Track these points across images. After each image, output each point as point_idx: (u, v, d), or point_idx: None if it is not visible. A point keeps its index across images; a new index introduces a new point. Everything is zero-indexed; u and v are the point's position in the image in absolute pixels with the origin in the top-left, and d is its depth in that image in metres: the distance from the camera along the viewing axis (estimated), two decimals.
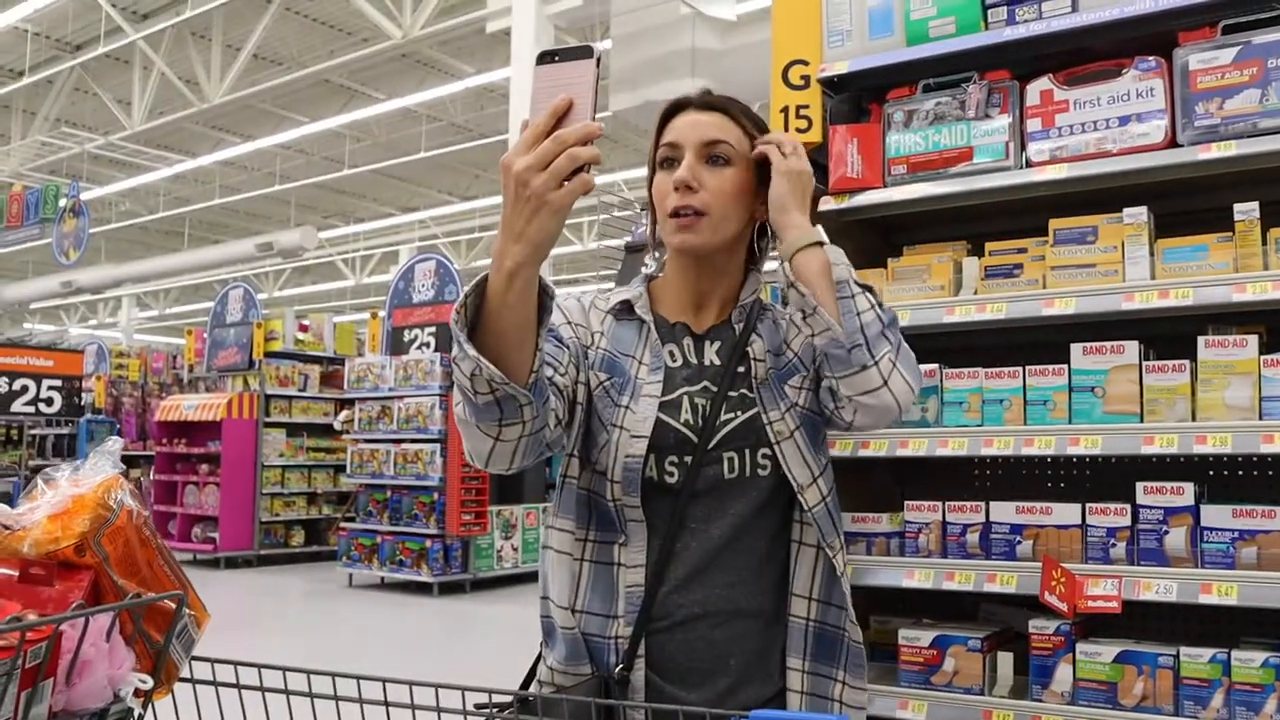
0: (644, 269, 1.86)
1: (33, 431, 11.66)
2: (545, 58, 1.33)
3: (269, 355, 13.27)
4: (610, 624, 1.58)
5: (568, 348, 1.59)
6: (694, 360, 1.67)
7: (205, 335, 14.41)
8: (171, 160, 18.48)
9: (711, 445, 1.60)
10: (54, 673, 1.26)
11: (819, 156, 2.93)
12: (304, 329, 14.51)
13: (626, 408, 1.60)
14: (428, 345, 11.62)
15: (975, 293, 2.70)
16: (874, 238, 3.14)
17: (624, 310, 1.71)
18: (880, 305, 1.61)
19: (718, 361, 1.67)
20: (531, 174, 1.23)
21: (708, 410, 1.61)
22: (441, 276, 11.82)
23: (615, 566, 1.60)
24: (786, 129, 2.90)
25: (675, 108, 1.68)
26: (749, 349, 1.67)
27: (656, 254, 1.80)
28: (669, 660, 1.58)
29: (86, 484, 1.45)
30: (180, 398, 13.69)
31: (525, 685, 1.70)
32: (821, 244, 1.62)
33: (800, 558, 1.64)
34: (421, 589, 10.79)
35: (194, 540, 12.77)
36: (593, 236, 22.16)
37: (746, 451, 1.60)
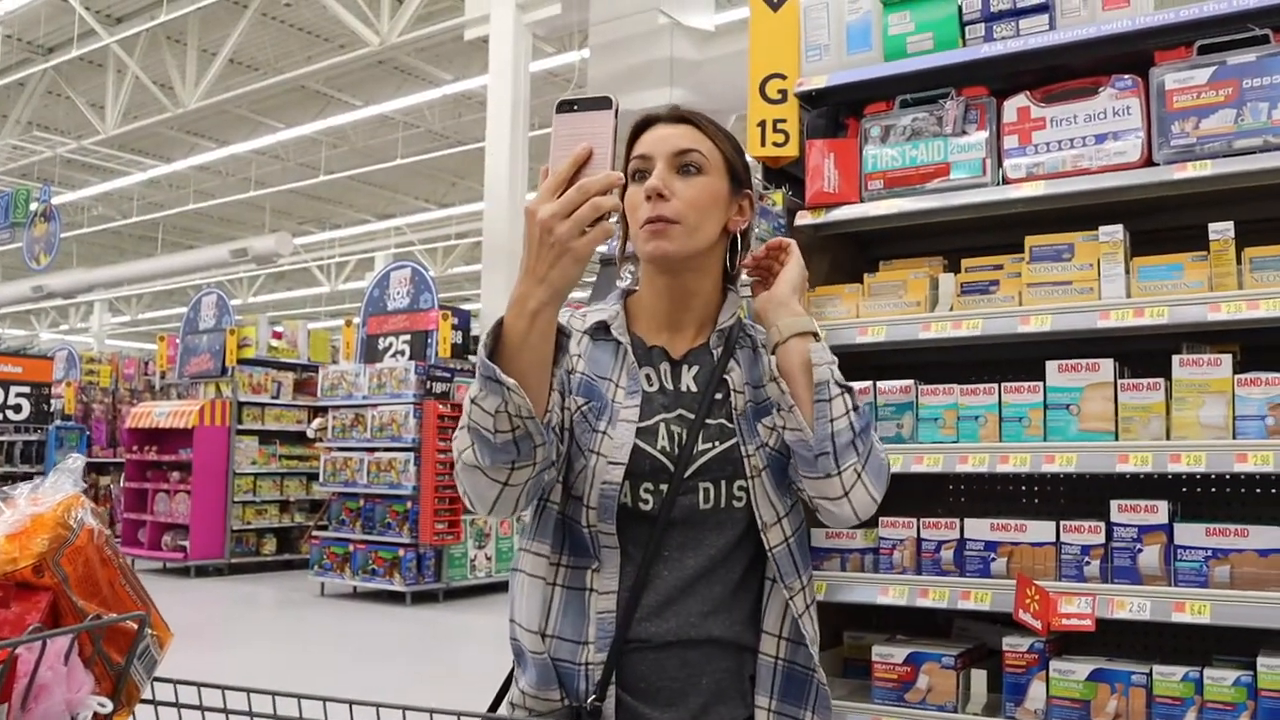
0: (619, 283, 1.84)
1: (0, 438, 11.52)
2: (565, 107, 1.38)
3: (242, 362, 13.16)
4: (581, 650, 1.56)
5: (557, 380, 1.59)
6: (670, 386, 1.65)
7: (178, 341, 14.28)
8: (145, 165, 18.35)
9: (688, 474, 1.58)
10: (9, 697, 1.23)
11: (795, 170, 2.92)
12: (278, 336, 14.42)
13: (604, 433, 1.58)
14: (402, 353, 11.57)
15: (951, 309, 2.70)
16: (851, 252, 3.14)
17: (600, 330, 1.69)
18: (857, 409, 1.57)
19: (694, 388, 1.64)
20: (556, 221, 1.31)
21: (684, 438, 1.59)
22: (417, 284, 11.78)
23: (587, 592, 1.57)
24: (764, 143, 2.89)
25: (644, 123, 1.68)
26: (727, 377, 1.65)
27: (631, 268, 1.79)
28: (640, 680, 1.56)
29: (46, 503, 1.42)
30: (152, 404, 13.55)
31: (495, 704, 1.67)
32: (814, 335, 1.60)
33: (773, 594, 1.62)
34: (394, 598, 10.71)
35: (164, 548, 12.63)
36: None
37: (723, 483, 1.59)
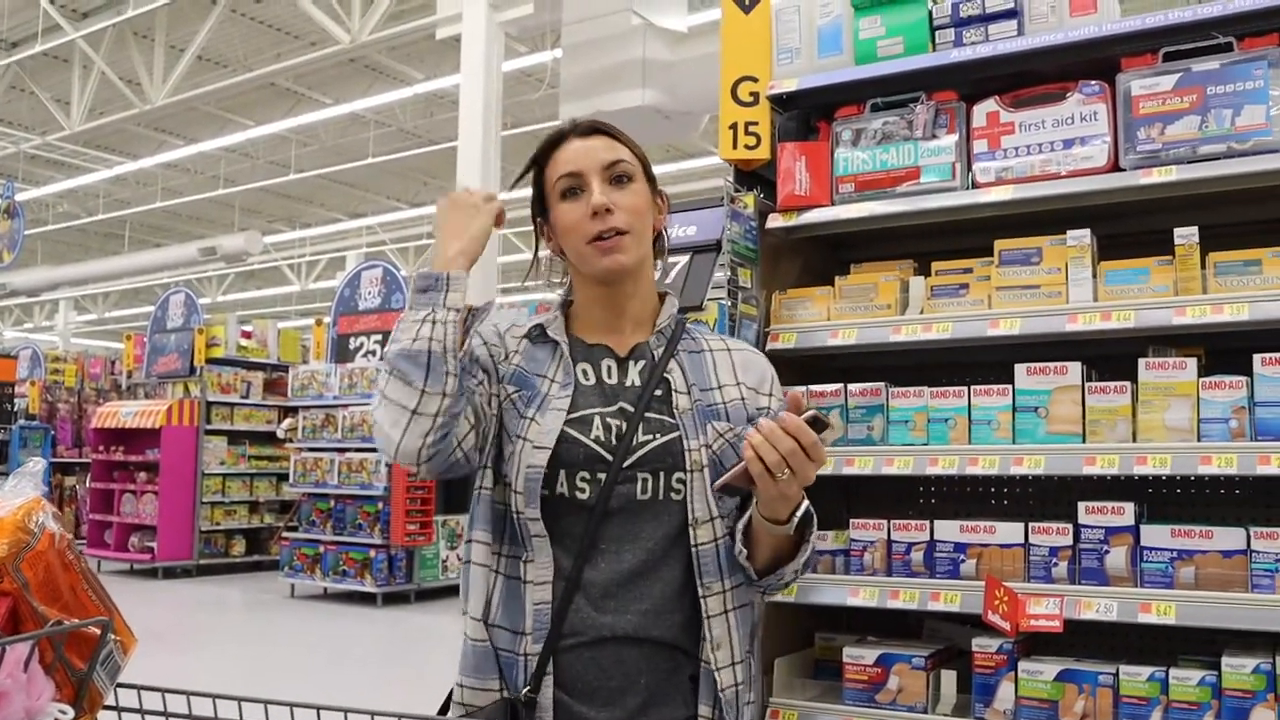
0: (552, 278, 1.85)
1: None
2: None
3: (211, 362, 13.04)
4: (519, 640, 1.57)
5: (479, 363, 1.66)
6: (611, 380, 1.67)
7: (145, 340, 14.13)
8: (112, 162, 18.16)
9: (627, 464, 1.59)
10: None
11: (767, 173, 2.93)
12: (247, 335, 14.30)
13: (531, 419, 1.61)
14: (373, 353, 11.50)
15: (922, 312, 2.72)
16: (822, 255, 3.15)
17: (538, 332, 1.72)
18: (807, 567, 1.63)
19: (639, 382, 1.67)
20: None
21: (624, 429, 1.61)
22: (388, 284, 11.72)
23: (523, 583, 1.59)
24: (735, 145, 2.89)
25: (555, 139, 1.71)
26: (668, 376, 1.67)
27: (557, 279, 1.81)
28: (578, 679, 1.56)
29: (6, 507, 1.40)
30: (118, 404, 13.40)
31: (445, 708, 1.67)
32: (805, 541, 1.60)
33: (711, 603, 1.62)
34: (365, 599, 10.65)
35: (131, 550, 12.49)
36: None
37: (662, 474, 1.60)
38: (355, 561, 10.62)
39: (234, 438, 12.95)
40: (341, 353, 11.83)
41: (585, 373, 1.67)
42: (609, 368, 1.68)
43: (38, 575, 1.36)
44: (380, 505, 10.54)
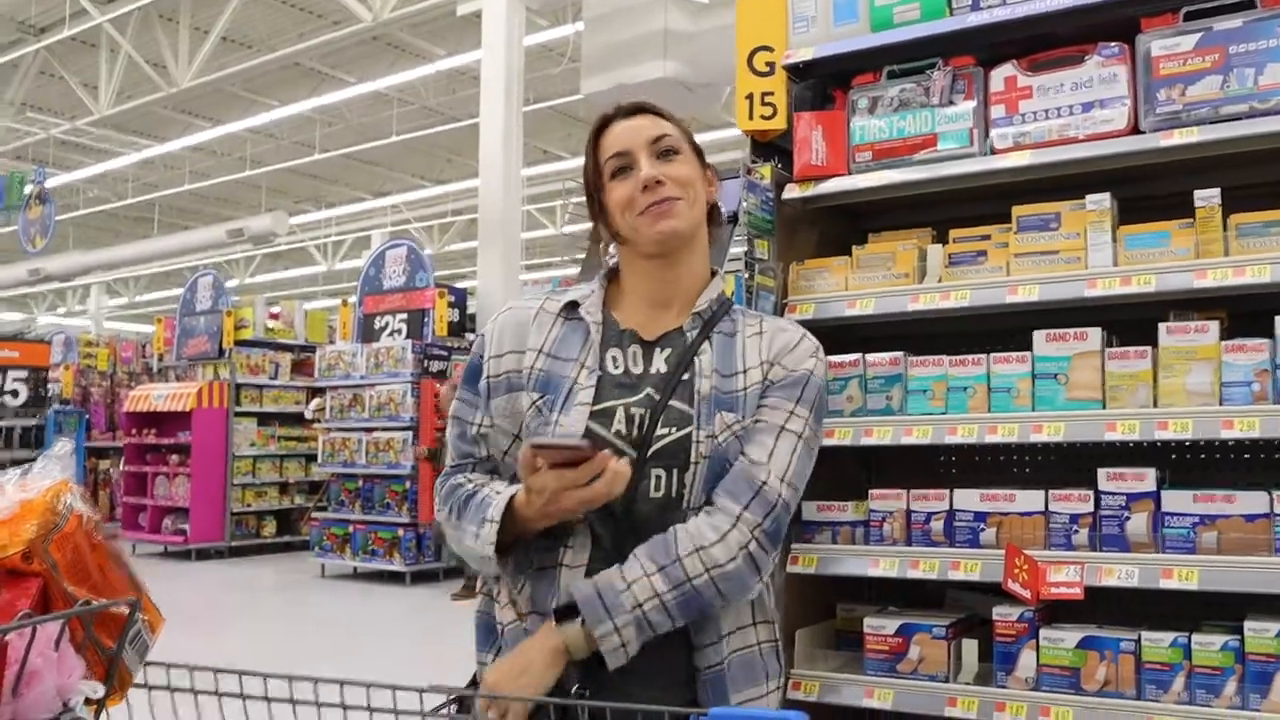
0: (606, 259, 1.86)
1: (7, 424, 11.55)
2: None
3: (239, 343, 13.15)
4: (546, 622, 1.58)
5: (500, 398, 1.69)
6: (636, 369, 1.67)
7: (175, 323, 14.27)
8: (140, 145, 18.25)
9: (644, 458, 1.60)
10: (0, 684, 1.24)
11: (784, 144, 2.92)
12: (274, 316, 14.39)
13: (556, 423, 1.61)
14: (399, 332, 11.56)
15: (939, 280, 2.71)
16: (839, 224, 3.14)
17: (571, 310, 1.73)
18: (663, 605, 1.54)
19: (665, 369, 1.66)
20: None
21: (646, 421, 1.61)
22: (412, 263, 11.76)
23: (559, 568, 1.61)
24: (751, 116, 2.88)
25: (602, 125, 1.73)
26: (697, 359, 1.66)
27: (608, 258, 1.81)
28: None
29: (34, 489, 1.43)
30: (150, 387, 13.55)
31: (471, 685, 1.70)
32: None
33: None
34: (394, 578, 10.76)
35: (164, 532, 12.66)
36: (564, 221, 22.10)
37: (675, 471, 1.60)
38: (384, 541, 10.72)
39: (263, 419, 13.08)
40: (368, 332, 11.90)
41: (614, 360, 1.68)
42: (634, 354, 1.68)
43: (66, 556, 1.39)
44: (408, 484, 10.62)
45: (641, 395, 1.63)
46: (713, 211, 1.76)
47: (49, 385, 10.94)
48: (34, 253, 16.75)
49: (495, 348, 1.72)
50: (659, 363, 1.67)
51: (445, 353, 11.19)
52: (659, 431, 1.60)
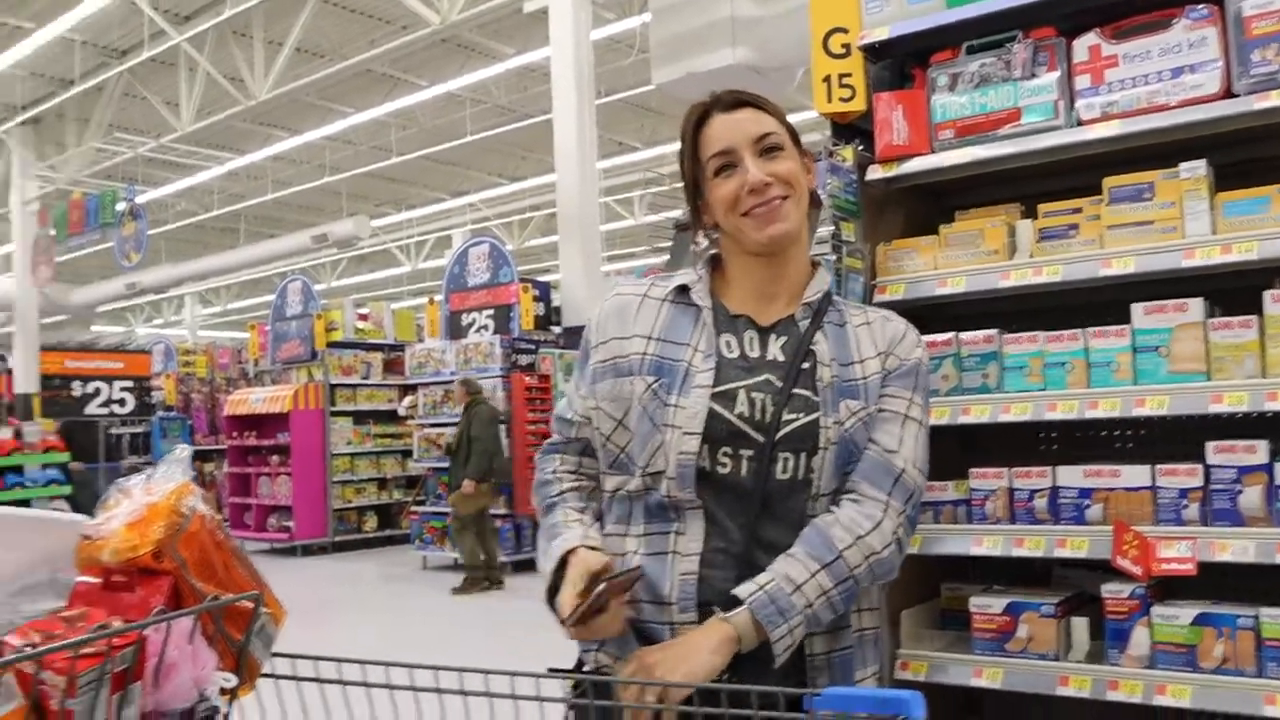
0: (694, 247, 1.87)
1: (111, 431, 11.97)
2: None
3: (331, 345, 13.47)
4: (664, 610, 1.60)
5: (599, 413, 1.71)
6: (754, 354, 1.68)
7: (268, 329, 14.65)
8: (223, 159, 18.73)
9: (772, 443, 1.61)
10: (142, 676, 1.31)
11: (864, 125, 2.90)
12: (363, 318, 14.70)
13: (676, 405, 1.62)
14: (486, 328, 11.72)
15: (1031, 256, 2.67)
16: (924, 204, 3.11)
17: (680, 294, 1.73)
18: (828, 598, 1.58)
19: (781, 357, 1.67)
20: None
21: (769, 405, 1.62)
22: (495, 259, 11.90)
23: (670, 555, 1.62)
24: (830, 99, 2.86)
25: (701, 116, 1.72)
26: (814, 348, 1.67)
27: (706, 233, 1.80)
28: None
29: (159, 492, 1.49)
30: (247, 391, 13.95)
31: (577, 668, 1.73)
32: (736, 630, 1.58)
33: None
34: None
35: (270, 530, 13.02)
36: (643, 211, 22.13)
37: (803, 455, 1.61)
38: None
39: (358, 417, 13.37)
40: (455, 329, 12.08)
41: (729, 344, 1.68)
42: (751, 339, 1.69)
43: (193, 554, 1.46)
44: (503, 477, 10.77)
45: (760, 380, 1.64)
46: (812, 198, 1.75)
47: (153, 393, 11.32)
48: (129, 267, 17.31)
49: (601, 333, 1.75)
50: (774, 349, 1.68)
51: (533, 346, 11.32)
52: (786, 416, 1.61)
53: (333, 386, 13.20)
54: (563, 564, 1.59)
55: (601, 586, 1.52)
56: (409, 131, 18.14)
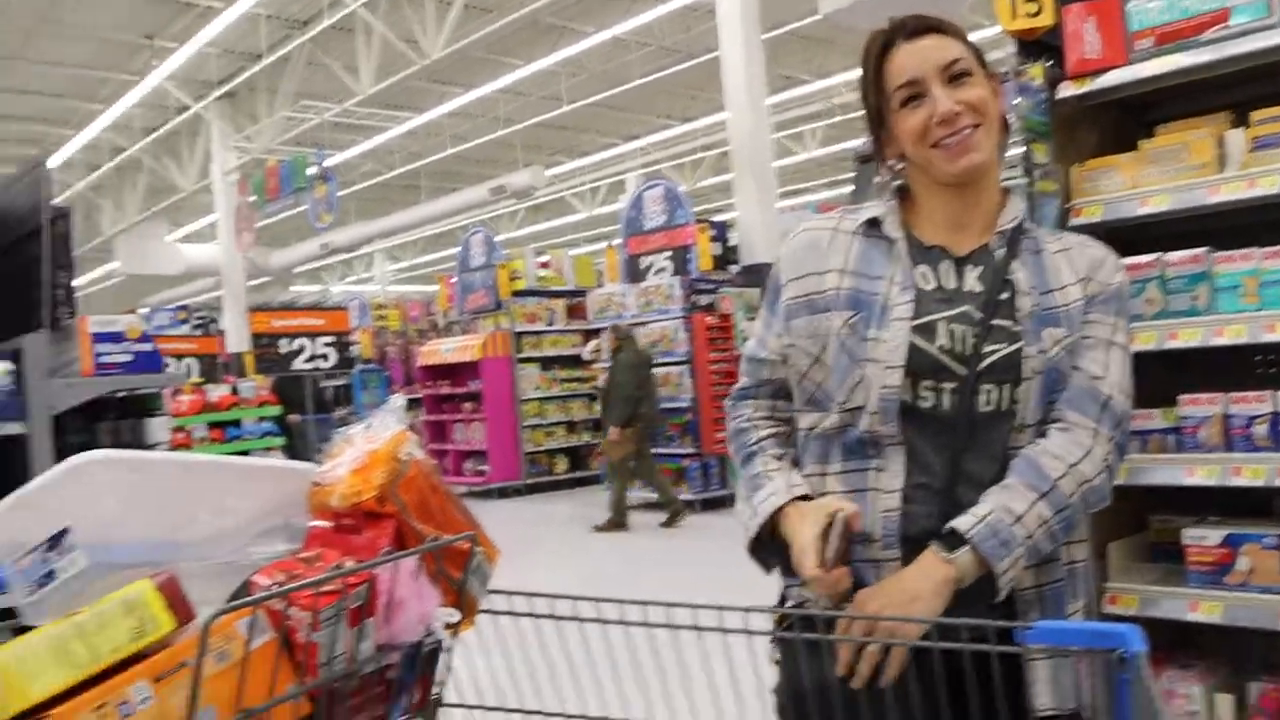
0: (877, 179, 1.84)
1: (324, 385, 12.69)
2: None
3: (515, 294, 13.84)
4: (866, 548, 1.60)
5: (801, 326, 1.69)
6: (950, 285, 1.64)
7: (454, 281, 15.16)
8: (402, 118, 19.29)
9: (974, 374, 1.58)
10: (374, 611, 1.41)
11: (1051, 39, 2.77)
12: (544, 266, 15.02)
13: (876, 339, 1.59)
14: (664, 270, 11.81)
15: (1242, 168, 2.51)
16: (1121, 120, 2.95)
17: (871, 227, 1.70)
18: (1047, 526, 1.55)
19: (979, 288, 1.63)
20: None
21: (969, 337, 1.58)
22: (670, 201, 11.94)
23: (870, 492, 1.61)
24: (1015, 15, 2.75)
25: (885, 45, 1.66)
26: (1012, 278, 1.63)
27: (892, 164, 1.76)
28: None
29: (379, 439, 1.59)
30: (438, 342, 14.51)
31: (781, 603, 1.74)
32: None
33: None
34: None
35: (466, 474, 13.57)
36: (815, 144, 21.73)
37: (1006, 386, 1.58)
38: (670, 472, 11.05)
39: (545, 363, 13.73)
40: (634, 273, 12.22)
41: (925, 276, 1.64)
42: (946, 270, 1.65)
43: (413, 498, 1.55)
44: (688, 416, 10.91)
45: (958, 311, 1.61)
46: (1003, 125, 1.68)
47: (351, 347, 11.92)
48: (322, 228, 18.17)
49: (793, 270, 1.72)
50: (970, 280, 1.64)
51: (712, 286, 11.35)
52: (987, 348, 1.58)
53: (518, 334, 13.57)
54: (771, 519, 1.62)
55: (836, 539, 1.51)
56: (578, 79, 18.27)
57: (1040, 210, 2.59)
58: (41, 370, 3.32)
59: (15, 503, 1.33)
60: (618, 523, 10.03)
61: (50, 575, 1.27)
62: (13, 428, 3.25)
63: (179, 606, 1.26)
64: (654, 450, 11.15)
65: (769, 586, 1.79)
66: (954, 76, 1.60)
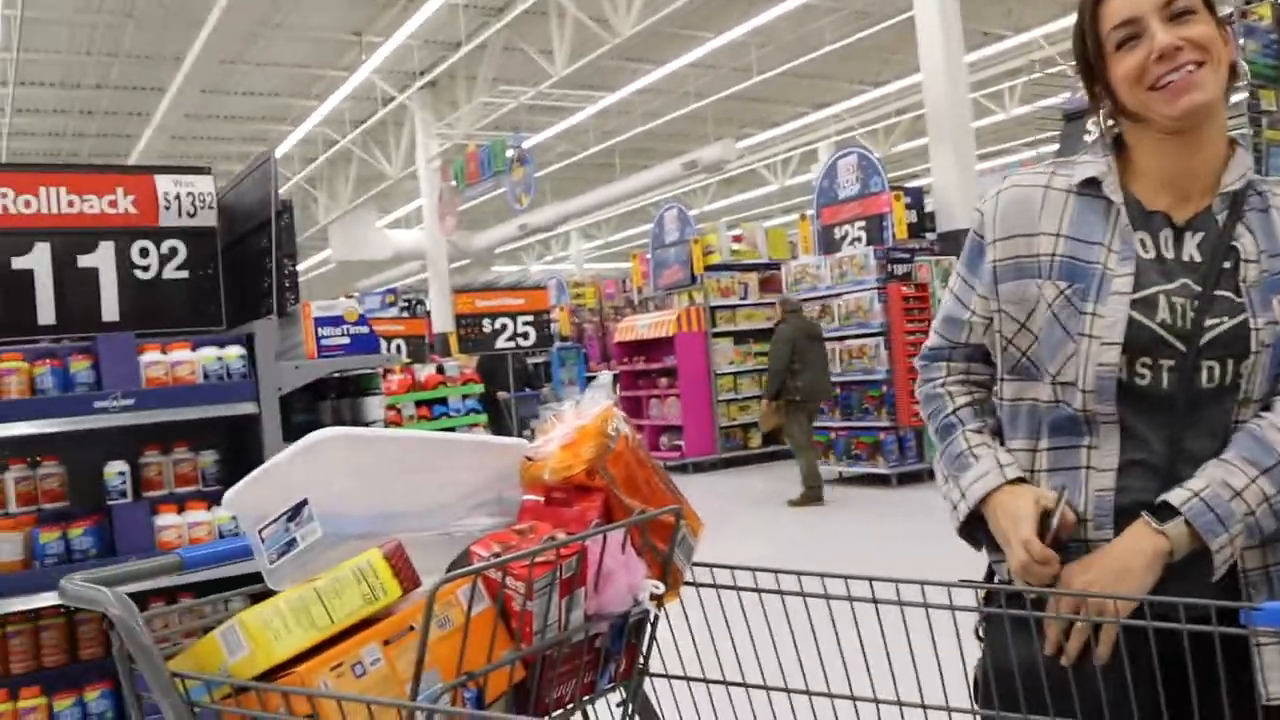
0: (1086, 137, 1.75)
1: (531, 361, 13.12)
2: None
3: (708, 269, 13.89)
4: (1079, 528, 1.52)
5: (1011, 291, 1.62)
6: (1170, 254, 1.53)
7: (648, 257, 15.34)
8: (594, 98, 19.58)
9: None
10: (585, 582, 1.46)
11: None
12: (737, 239, 15.02)
13: (1093, 314, 1.51)
14: (859, 240, 11.62)
15: None
16: None
17: (1089, 187, 1.59)
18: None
19: (1198, 257, 1.52)
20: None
21: (1189, 311, 1.48)
22: (864, 169, 11.72)
23: (1083, 470, 1.53)
24: None
25: None
26: (1237, 244, 1.51)
27: (1099, 120, 1.67)
28: None
29: (587, 415, 1.64)
30: (634, 318, 14.72)
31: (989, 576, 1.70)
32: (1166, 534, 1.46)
33: None
34: (879, 481, 10.94)
35: (662, 449, 13.75)
36: (1015, 103, 20.85)
37: (1230, 361, 1.47)
38: (866, 445, 10.92)
39: (739, 337, 13.75)
40: (828, 244, 12.07)
41: (1144, 243, 1.54)
42: (1166, 238, 1.54)
43: (621, 472, 1.59)
44: (884, 388, 10.74)
45: (1178, 284, 1.51)
46: (1231, 71, 1.55)
47: (550, 325, 12.25)
48: (520, 210, 18.69)
49: (1000, 229, 1.62)
50: (1190, 248, 1.53)
51: (908, 255, 11.10)
52: (1209, 321, 1.48)
53: (713, 308, 13.63)
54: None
55: (1055, 523, 1.47)
56: (768, 49, 18.10)
57: (1269, 162, 2.43)
58: (271, 353, 3.55)
59: (259, 476, 1.44)
60: (813, 496, 9.97)
61: (291, 544, 1.37)
62: (247, 407, 3.49)
63: (405, 574, 1.34)
64: (848, 424, 11.03)
65: (970, 561, 1.76)
66: (1176, 14, 1.47)
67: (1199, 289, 1.49)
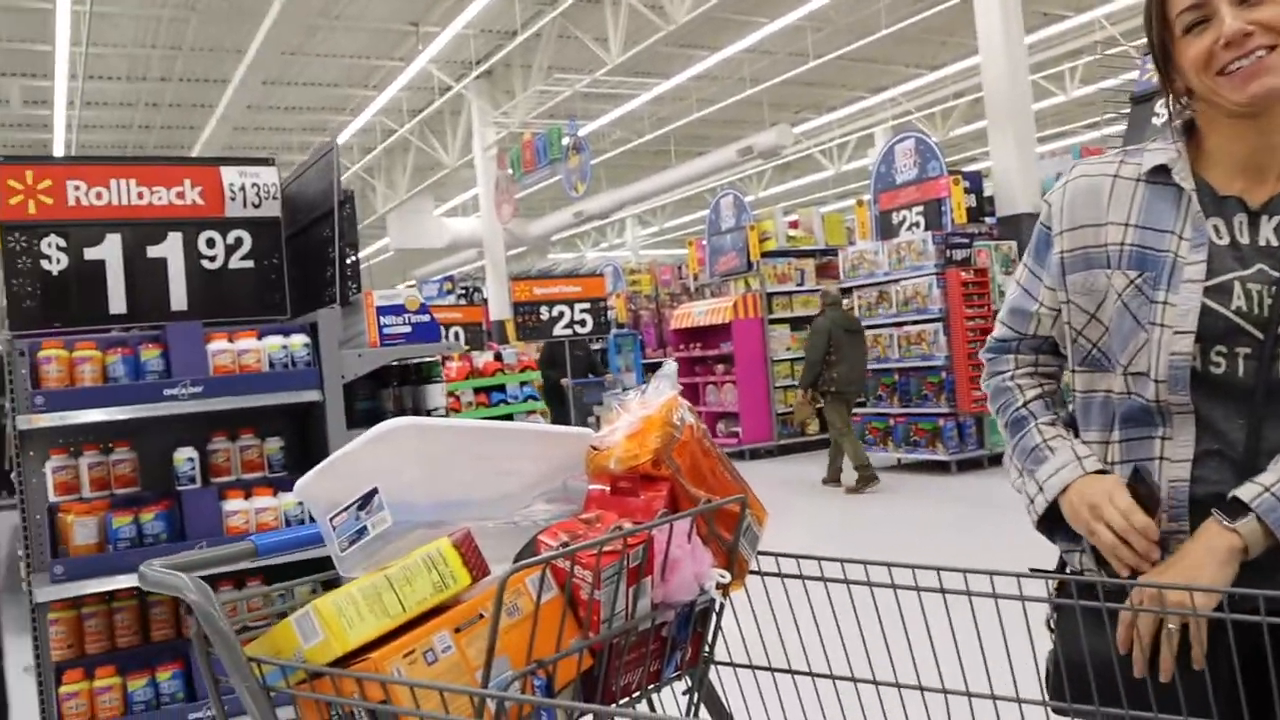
0: (1154, 120, 1.71)
1: (594, 348, 13.17)
2: None
3: (765, 255, 13.84)
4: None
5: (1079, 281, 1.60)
6: (1245, 240, 1.49)
7: (704, 244, 15.30)
8: (649, 85, 19.56)
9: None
10: (651, 571, 1.46)
11: None
12: (794, 225, 14.92)
13: (1165, 303, 1.47)
14: (917, 225, 11.49)
15: None
16: None
17: (1159, 174, 1.55)
18: None
19: (1275, 241, 1.47)
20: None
21: (1265, 297, 1.44)
22: (922, 153, 11.58)
23: (1158, 461, 1.50)
24: None
25: None
26: None
27: (1168, 104, 1.63)
28: None
29: (652, 405, 1.64)
30: (690, 305, 14.70)
31: (1060, 568, 1.67)
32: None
33: None
34: (939, 468, 10.84)
35: (719, 435, 13.74)
36: (1076, 84, 20.48)
37: None
38: (925, 431, 10.82)
39: (795, 324, 13.68)
40: (886, 229, 11.96)
41: (1217, 229, 1.50)
42: (1240, 223, 1.50)
43: (686, 462, 1.59)
44: (943, 375, 10.63)
45: (1254, 270, 1.46)
46: None
47: (607, 312, 12.26)
48: (576, 197, 18.73)
49: (1068, 219, 1.59)
50: (1266, 232, 1.48)
51: (967, 240, 10.96)
52: None
53: (769, 295, 13.58)
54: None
55: (1155, 491, 1.46)
56: (823, 33, 17.95)
57: None
58: (334, 342, 3.60)
59: (330, 465, 1.47)
60: (867, 478, 9.92)
61: (362, 532, 1.39)
62: (311, 395, 3.54)
63: (474, 563, 1.35)
64: (907, 410, 10.94)
65: (1036, 547, 1.74)
66: None
67: (1277, 274, 1.45)
